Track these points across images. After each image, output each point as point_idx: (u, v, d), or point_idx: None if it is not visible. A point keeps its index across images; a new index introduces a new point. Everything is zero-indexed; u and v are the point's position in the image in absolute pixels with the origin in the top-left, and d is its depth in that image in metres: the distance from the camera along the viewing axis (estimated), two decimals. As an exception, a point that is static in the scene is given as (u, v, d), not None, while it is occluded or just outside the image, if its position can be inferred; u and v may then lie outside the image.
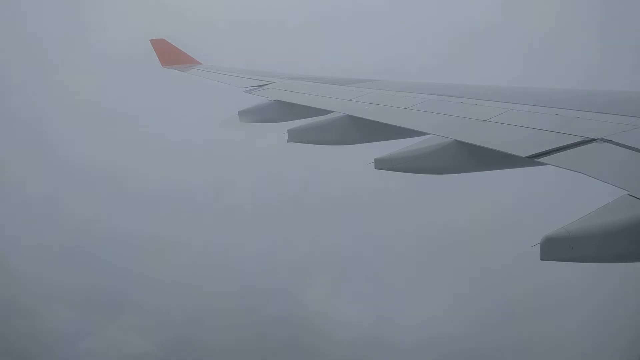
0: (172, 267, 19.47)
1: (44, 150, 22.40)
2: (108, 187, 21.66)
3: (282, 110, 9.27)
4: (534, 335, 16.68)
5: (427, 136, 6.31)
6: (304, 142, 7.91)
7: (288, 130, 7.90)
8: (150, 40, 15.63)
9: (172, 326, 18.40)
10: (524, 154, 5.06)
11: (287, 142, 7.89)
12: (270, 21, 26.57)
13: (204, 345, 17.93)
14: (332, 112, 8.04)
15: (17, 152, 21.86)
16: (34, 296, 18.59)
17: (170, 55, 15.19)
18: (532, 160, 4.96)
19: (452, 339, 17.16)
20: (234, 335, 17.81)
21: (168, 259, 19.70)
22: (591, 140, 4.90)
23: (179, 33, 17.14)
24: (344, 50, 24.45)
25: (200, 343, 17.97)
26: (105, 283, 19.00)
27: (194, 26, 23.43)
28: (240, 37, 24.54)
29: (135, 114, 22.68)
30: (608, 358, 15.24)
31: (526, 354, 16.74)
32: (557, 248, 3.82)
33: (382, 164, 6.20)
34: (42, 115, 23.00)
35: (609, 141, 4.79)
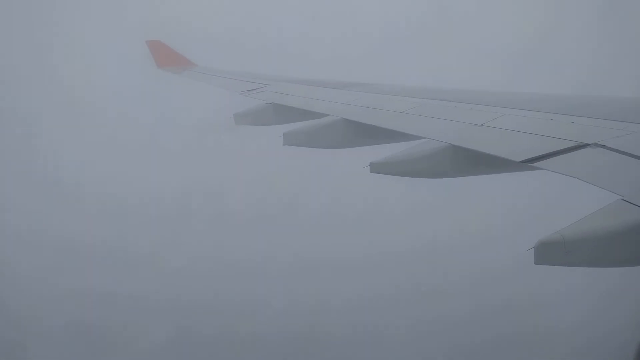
0: (163, 274, 19.33)
1: (34, 152, 22.28)
2: (102, 190, 21.57)
3: (278, 113, 9.28)
4: (528, 340, 16.70)
5: (422, 140, 6.33)
6: (300, 146, 7.91)
7: (283, 133, 7.91)
8: (146, 41, 15.62)
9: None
10: (518, 158, 5.08)
11: (283, 145, 7.90)
12: (266, 24, 26.60)
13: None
14: (327, 115, 8.05)
15: (8, 154, 21.73)
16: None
17: (166, 56, 15.18)
18: (527, 164, 4.98)
19: (445, 345, 17.16)
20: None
21: (159, 266, 19.54)
22: (585, 145, 4.93)
23: (175, 34, 17.12)
24: (340, 53, 24.49)
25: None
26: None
27: (190, 28, 23.40)
28: (237, 40, 24.54)
29: (130, 115, 22.61)
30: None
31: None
32: (551, 252, 3.82)
33: (378, 167, 6.21)
34: (31, 117, 22.87)
35: (603, 146, 4.82)
